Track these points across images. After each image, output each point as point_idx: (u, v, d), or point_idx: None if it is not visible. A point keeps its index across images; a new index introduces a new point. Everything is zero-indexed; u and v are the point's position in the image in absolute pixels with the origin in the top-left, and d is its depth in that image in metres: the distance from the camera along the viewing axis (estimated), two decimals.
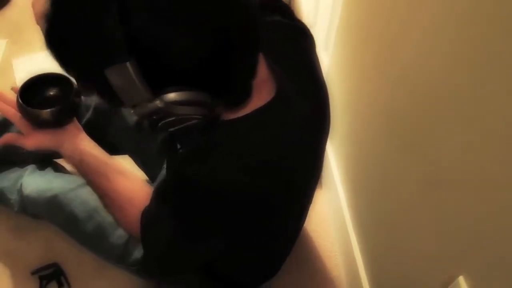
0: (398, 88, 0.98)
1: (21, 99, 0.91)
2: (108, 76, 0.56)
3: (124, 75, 0.55)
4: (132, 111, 0.61)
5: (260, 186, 0.72)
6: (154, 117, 0.61)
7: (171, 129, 0.64)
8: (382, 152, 1.10)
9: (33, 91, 0.95)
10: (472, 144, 0.70)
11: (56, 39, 0.60)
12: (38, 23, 0.86)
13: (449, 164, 0.77)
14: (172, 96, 0.59)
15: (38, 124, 0.92)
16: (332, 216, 1.50)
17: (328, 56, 1.58)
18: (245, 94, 0.68)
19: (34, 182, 1.24)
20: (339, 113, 1.38)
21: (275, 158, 0.72)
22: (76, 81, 0.73)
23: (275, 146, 0.72)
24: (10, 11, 2.18)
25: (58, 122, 0.93)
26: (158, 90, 0.59)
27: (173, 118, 0.62)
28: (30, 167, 1.29)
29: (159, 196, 0.82)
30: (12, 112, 0.93)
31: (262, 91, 0.71)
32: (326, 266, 1.40)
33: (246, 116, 0.70)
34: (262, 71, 0.71)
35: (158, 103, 0.59)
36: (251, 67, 0.66)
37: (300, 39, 0.87)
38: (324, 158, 0.99)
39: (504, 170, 0.62)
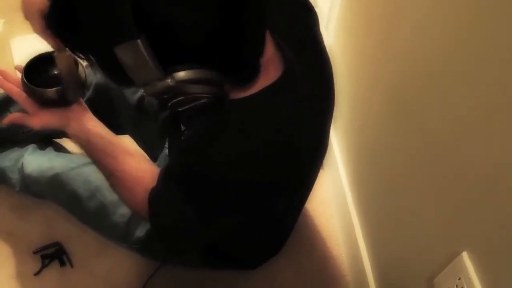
0: (402, 66, 0.97)
1: (26, 78, 0.90)
2: (118, 54, 0.55)
3: (135, 53, 0.55)
4: (142, 90, 0.60)
5: (269, 164, 0.72)
6: (165, 96, 0.61)
7: (181, 109, 0.64)
8: (384, 131, 1.10)
9: (38, 70, 0.94)
10: (475, 121, 0.70)
11: (63, 18, 0.59)
12: (26, 15, 0.83)
13: (451, 141, 0.77)
14: (183, 74, 0.59)
15: (44, 103, 0.91)
16: (333, 196, 1.50)
17: (330, 35, 1.57)
18: (254, 72, 0.67)
19: (35, 161, 1.24)
20: (341, 92, 1.37)
21: (283, 137, 0.72)
22: (83, 59, 0.73)
23: (283, 125, 0.72)
24: None
25: (64, 101, 0.92)
26: (168, 68, 0.58)
27: (183, 97, 0.62)
28: (31, 147, 1.28)
29: (166, 177, 0.82)
30: (17, 91, 0.92)
31: (270, 70, 0.71)
32: (327, 245, 1.41)
33: (255, 95, 0.70)
34: (269, 49, 0.70)
35: (169, 81, 0.58)
36: (260, 44, 0.65)
37: (303, 14, 0.87)
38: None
39: (506, 144, 0.62)
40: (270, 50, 0.71)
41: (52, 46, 0.82)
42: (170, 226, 0.84)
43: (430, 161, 0.86)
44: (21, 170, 1.25)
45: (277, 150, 0.72)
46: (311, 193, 1.09)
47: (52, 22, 0.60)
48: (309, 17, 0.88)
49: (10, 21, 1.99)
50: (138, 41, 0.54)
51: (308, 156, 0.81)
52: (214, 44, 0.59)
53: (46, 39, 0.78)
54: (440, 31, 0.78)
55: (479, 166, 0.70)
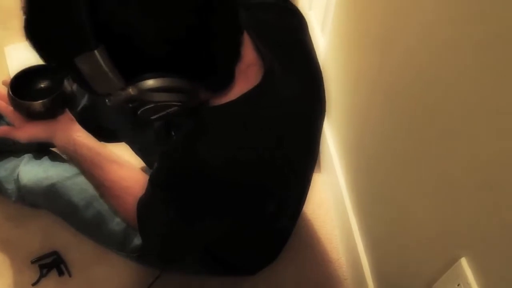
0: (400, 69, 0.97)
1: (12, 91, 0.90)
2: (78, 65, 0.55)
3: (93, 63, 0.55)
4: (106, 100, 0.60)
5: (251, 168, 0.71)
6: (130, 105, 0.60)
7: (153, 117, 0.64)
8: (382, 134, 1.09)
9: (25, 83, 0.94)
10: (474, 127, 0.69)
11: (29, 27, 0.59)
12: None
13: (450, 146, 0.77)
14: (146, 83, 0.58)
15: (30, 116, 0.91)
16: (331, 199, 1.50)
17: (326, 37, 1.56)
18: (227, 79, 0.67)
19: (31, 171, 1.23)
20: (338, 94, 1.37)
21: (264, 143, 0.71)
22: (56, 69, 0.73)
23: (264, 131, 0.71)
24: None
25: (50, 113, 0.92)
26: (133, 77, 0.58)
27: (152, 106, 0.61)
28: (27, 156, 1.28)
29: (153, 183, 0.82)
30: (3, 105, 0.92)
31: (249, 75, 0.70)
32: (326, 249, 1.40)
33: (234, 101, 0.69)
34: (249, 54, 0.69)
35: (131, 91, 0.58)
36: (232, 50, 0.64)
37: (288, 18, 0.85)
38: (321, 140, 0.98)
39: (505, 151, 0.62)
40: (250, 55, 0.70)
41: None
42: (159, 234, 0.84)
43: (429, 167, 0.85)
44: (17, 180, 1.24)
45: (259, 155, 0.71)
46: (310, 196, 1.09)
47: (25, 33, 0.60)
48: (294, 21, 0.87)
49: (5, 28, 1.99)
50: (95, 52, 0.54)
51: (296, 158, 0.80)
52: (179, 52, 0.58)
53: None
54: (441, 37, 0.77)
55: (478, 172, 0.69)
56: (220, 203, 0.75)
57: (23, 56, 0.98)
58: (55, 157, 1.32)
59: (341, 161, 1.43)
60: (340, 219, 1.42)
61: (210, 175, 0.71)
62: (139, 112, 0.63)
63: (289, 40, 0.82)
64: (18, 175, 1.24)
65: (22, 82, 0.94)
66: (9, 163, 1.28)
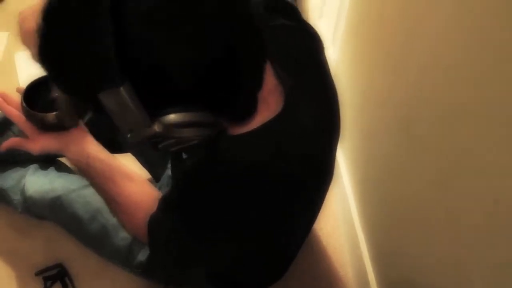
0: (412, 86, 0.94)
1: (25, 101, 0.88)
2: (101, 100, 0.53)
3: (118, 100, 0.52)
4: (128, 136, 0.58)
5: (268, 196, 0.70)
6: (154, 140, 0.58)
7: (173, 149, 0.62)
8: (392, 151, 1.07)
9: (38, 92, 0.93)
10: (486, 146, 0.67)
11: (48, 57, 0.57)
12: (24, 41, 0.82)
13: (462, 165, 0.75)
14: (171, 118, 0.56)
15: (43, 127, 0.90)
16: (340, 215, 1.47)
17: (336, 51, 1.54)
18: (250, 109, 0.64)
19: (36, 182, 1.22)
20: (348, 110, 1.34)
21: (284, 172, 0.70)
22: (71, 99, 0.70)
23: (284, 160, 0.70)
24: (11, 3, 2.15)
25: (63, 125, 0.90)
26: (156, 111, 0.56)
27: (173, 140, 0.59)
28: (33, 167, 1.27)
29: (166, 203, 0.81)
30: (16, 115, 0.91)
31: (270, 102, 0.68)
32: (333, 265, 1.38)
33: (255, 131, 0.67)
34: (270, 81, 0.68)
35: (156, 127, 0.56)
36: (256, 81, 0.62)
37: (307, 41, 0.83)
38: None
39: None
40: (270, 81, 0.68)
41: None
42: (169, 251, 0.82)
43: (441, 183, 0.83)
44: (23, 191, 1.23)
45: (277, 183, 0.70)
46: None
47: (39, 60, 0.58)
48: (313, 44, 0.84)
49: (15, 34, 1.99)
50: (121, 88, 0.51)
51: (314, 187, 0.78)
52: (205, 85, 0.56)
53: None
54: (457, 51, 0.75)
55: (491, 192, 0.67)
56: (234, 227, 0.73)
57: (34, 62, 0.97)
58: (61, 168, 1.32)
59: (350, 176, 1.40)
60: (348, 234, 1.39)
61: (224, 201, 0.70)
62: (159, 146, 0.61)
63: (307, 64, 0.80)
64: (24, 186, 1.23)
65: (35, 92, 0.93)
66: (16, 173, 1.27)
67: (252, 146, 0.68)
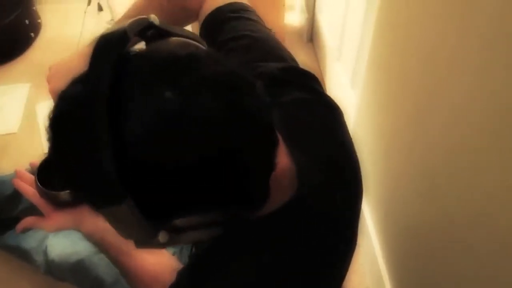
0: (436, 143, 0.92)
1: (39, 178, 0.88)
2: (102, 215, 0.51)
3: (119, 216, 0.50)
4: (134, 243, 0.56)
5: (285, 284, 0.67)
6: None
7: (180, 245, 0.60)
8: (417, 204, 1.04)
9: (51, 167, 0.92)
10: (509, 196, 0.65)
11: (53, 159, 0.56)
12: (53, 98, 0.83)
13: (487, 215, 0.73)
14: (176, 225, 0.54)
15: (57, 205, 0.89)
16: (368, 268, 1.43)
17: (356, 95, 1.52)
18: (262, 201, 0.61)
19: (59, 244, 1.21)
20: (369, 157, 1.32)
21: (302, 261, 0.67)
22: None
23: (300, 247, 0.67)
24: (32, 53, 2.20)
25: (77, 202, 0.89)
26: (160, 220, 0.54)
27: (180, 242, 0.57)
28: None
29: (183, 278, 0.78)
30: (32, 193, 0.90)
31: (283, 185, 0.65)
32: None
33: (268, 217, 0.64)
34: (282, 160, 0.64)
35: (160, 238, 0.54)
36: (267, 169, 0.59)
37: (322, 113, 0.80)
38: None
39: None
40: (283, 161, 0.65)
41: None
42: None
43: (467, 238, 0.81)
44: (46, 253, 1.22)
45: (295, 274, 0.67)
46: None
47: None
48: (330, 116, 0.81)
49: (36, 85, 2.02)
50: (122, 205, 0.48)
51: (337, 265, 0.75)
52: (212, 186, 0.52)
53: None
54: (479, 117, 0.73)
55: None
56: None
57: None
58: None
59: (376, 227, 1.36)
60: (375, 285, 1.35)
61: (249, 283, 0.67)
62: (166, 247, 0.59)
63: (323, 138, 0.77)
64: (46, 248, 1.23)
65: (49, 167, 0.92)
66: (38, 233, 1.27)
67: (267, 233, 0.66)
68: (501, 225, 0.69)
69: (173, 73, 0.49)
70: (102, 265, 1.15)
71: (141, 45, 0.58)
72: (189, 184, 0.50)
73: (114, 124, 0.47)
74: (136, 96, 0.48)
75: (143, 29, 0.56)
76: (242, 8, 0.90)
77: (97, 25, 2.33)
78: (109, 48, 0.50)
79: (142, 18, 0.56)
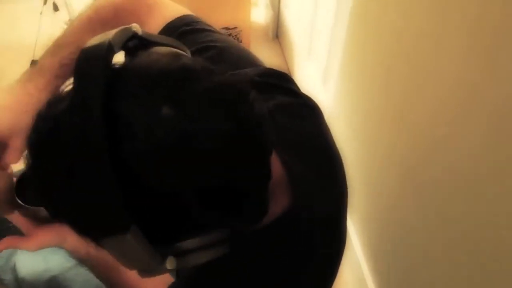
0: (418, 141, 0.91)
1: (17, 193, 0.81)
2: (103, 246, 0.47)
3: (123, 246, 0.46)
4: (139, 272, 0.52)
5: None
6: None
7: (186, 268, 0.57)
8: (400, 211, 1.04)
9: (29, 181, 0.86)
10: (493, 190, 0.66)
11: (40, 193, 0.51)
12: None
13: (472, 221, 0.73)
14: (183, 248, 0.51)
15: (38, 221, 0.83)
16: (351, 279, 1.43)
17: (329, 93, 1.50)
18: (263, 213, 0.59)
19: (29, 261, 1.15)
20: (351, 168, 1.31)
21: (298, 271, 0.66)
22: None
23: (296, 261, 0.66)
24: None
25: None
26: (167, 245, 0.51)
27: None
28: None
29: None
30: None
31: (278, 194, 0.63)
32: None
33: (263, 229, 0.62)
34: (276, 169, 0.62)
35: (168, 265, 0.50)
36: (264, 181, 0.57)
37: (306, 115, 0.78)
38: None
39: None
40: (276, 170, 0.63)
41: None
42: None
43: (451, 244, 0.81)
44: (14, 270, 1.15)
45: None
46: None
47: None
48: (313, 116, 0.79)
49: None
50: (128, 235, 0.45)
51: (327, 268, 0.74)
52: (215, 206, 0.50)
53: None
54: (461, 110, 0.73)
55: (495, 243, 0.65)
56: None
57: None
58: None
59: (360, 238, 1.36)
60: None
61: None
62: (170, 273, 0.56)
63: (310, 140, 0.76)
64: (15, 265, 1.15)
65: (27, 181, 0.86)
66: (4, 250, 1.19)
67: (263, 244, 0.64)
68: (491, 236, 0.69)
69: (171, 89, 0.46)
70: (77, 281, 1.09)
71: (120, 57, 0.53)
72: (199, 204, 0.47)
73: (113, 149, 0.43)
74: (134, 116, 0.44)
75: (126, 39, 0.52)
76: (193, 20, 0.87)
77: (54, 27, 2.22)
78: (95, 63, 0.45)
79: (126, 28, 0.52)
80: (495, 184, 0.67)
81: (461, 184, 0.77)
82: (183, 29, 0.84)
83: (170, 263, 0.50)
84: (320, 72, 1.61)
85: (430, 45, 0.83)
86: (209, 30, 0.86)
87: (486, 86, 0.67)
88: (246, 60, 0.82)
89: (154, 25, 0.86)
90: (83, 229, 0.49)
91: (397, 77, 1.00)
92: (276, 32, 2.29)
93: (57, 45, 0.81)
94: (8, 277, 1.18)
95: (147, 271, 0.51)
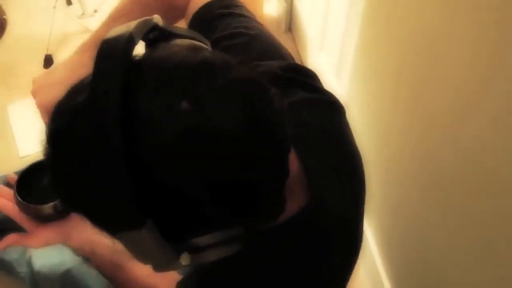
0: (427, 134, 0.90)
1: (18, 192, 0.81)
2: (119, 240, 0.47)
3: (138, 241, 0.46)
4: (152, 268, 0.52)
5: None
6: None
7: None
8: (418, 208, 1.02)
9: (31, 179, 0.85)
10: None
11: (58, 185, 0.51)
12: (40, 114, 0.77)
13: (492, 217, 0.72)
14: (197, 244, 0.50)
15: (41, 219, 0.83)
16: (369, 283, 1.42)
17: (343, 86, 1.49)
18: (279, 210, 0.58)
19: (44, 254, 1.16)
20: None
21: (313, 271, 0.65)
22: None
23: (312, 259, 0.65)
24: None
25: (61, 214, 0.83)
26: (181, 241, 0.50)
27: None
28: None
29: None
30: (11, 208, 0.83)
31: (295, 191, 0.62)
32: None
33: (280, 226, 0.62)
34: (293, 165, 0.62)
35: (182, 261, 0.50)
36: (282, 177, 0.56)
37: (327, 112, 0.77)
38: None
39: None
40: (294, 167, 0.62)
41: None
42: None
43: (471, 242, 0.80)
44: (30, 263, 1.17)
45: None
46: None
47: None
48: (334, 113, 0.78)
49: (6, 86, 1.93)
50: (142, 230, 0.45)
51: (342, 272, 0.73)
52: (230, 203, 0.50)
53: None
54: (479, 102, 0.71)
55: None
56: None
57: (26, 114, 0.90)
58: None
59: (377, 242, 1.35)
60: None
61: None
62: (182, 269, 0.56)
63: (329, 138, 0.75)
64: (30, 258, 1.17)
65: (29, 180, 0.86)
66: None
67: (281, 242, 0.64)
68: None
69: (189, 83, 0.45)
70: (91, 274, 1.10)
71: (140, 48, 0.53)
72: (214, 201, 0.47)
73: (129, 144, 0.43)
74: (151, 111, 0.44)
75: (147, 31, 0.52)
76: (233, 4, 0.86)
77: (67, 21, 2.23)
78: (114, 55, 0.45)
79: (147, 20, 0.52)
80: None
81: (479, 177, 0.76)
82: (220, 11, 0.84)
83: (185, 259, 0.50)
84: (333, 65, 1.60)
85: (443, 35, 0.82)
86: (246, 16, 0.86)
87: (498, 77, 0.66)
88: (274, 51, 0.81)
89: (194, 4, 0.86)
90: (99, 222, 0.49)
91: (409, 69, 0.99)
92: (289, 25, 2.27)
93: (111, 17, 0.84)
94: (24, 270, 1.19)
95: (161, 266, 0.51)
